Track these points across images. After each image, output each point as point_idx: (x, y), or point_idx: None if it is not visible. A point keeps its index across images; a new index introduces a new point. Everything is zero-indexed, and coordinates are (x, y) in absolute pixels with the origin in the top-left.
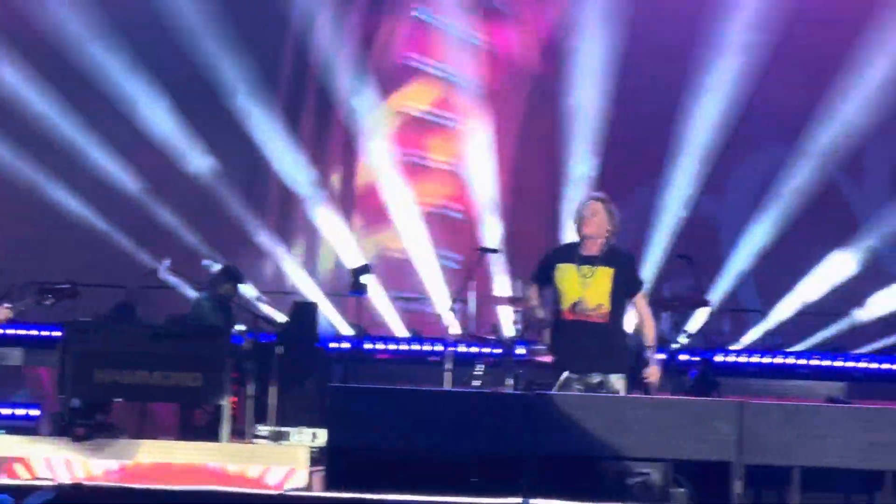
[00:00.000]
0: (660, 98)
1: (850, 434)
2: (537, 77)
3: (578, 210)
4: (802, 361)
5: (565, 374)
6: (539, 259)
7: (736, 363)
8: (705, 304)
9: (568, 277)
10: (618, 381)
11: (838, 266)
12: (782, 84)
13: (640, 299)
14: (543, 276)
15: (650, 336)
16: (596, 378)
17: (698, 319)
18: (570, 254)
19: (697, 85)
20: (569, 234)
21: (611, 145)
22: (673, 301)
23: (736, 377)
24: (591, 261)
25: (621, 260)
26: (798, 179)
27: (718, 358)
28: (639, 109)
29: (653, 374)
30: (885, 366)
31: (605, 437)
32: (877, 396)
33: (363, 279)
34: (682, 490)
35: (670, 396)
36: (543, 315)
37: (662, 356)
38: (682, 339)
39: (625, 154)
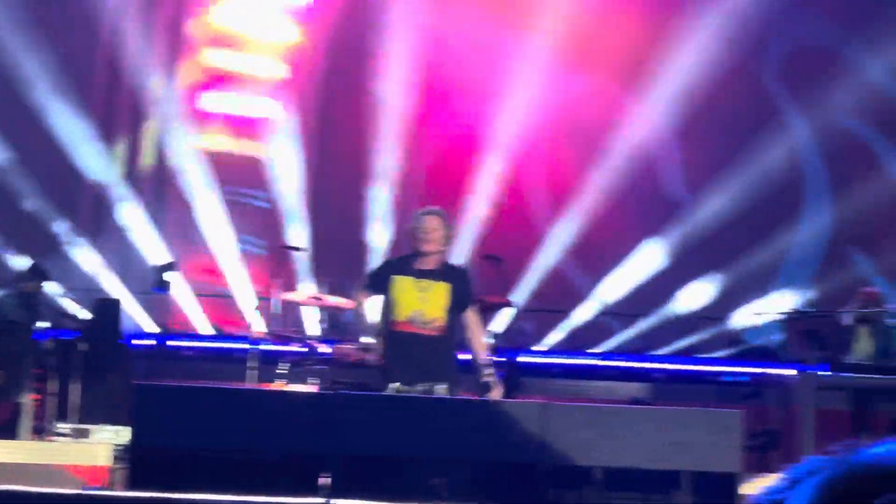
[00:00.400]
0: (469, 92)
1: (647, 434)
2: (340, 71)
3: (416, 225)
4: (606, 363)
5: (393, 384)
6: (373, 267)
7: (540, 364)
8: (509, 304)
9: (405, 290)
10: (441, 390)
11: (645, 262)
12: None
13: (472, 314)
14: (375, 285)
15: (482, 349)
16: (421, 387)
17: (503, 320)
18: (407, 266)
19: (505, 81)
20: (373, 234)
21: (418, 143)
22: (477, 302)
23: (541, 378)
24: (428, 275)
25: (457, 275)
26: (605, 176)
27: (523, 359)
28: (447, 104)
29: (495, 395)
30: (687, 367)
31: (410, 437)
32: (680, 397)
33: (167, 276)
34: (483, 491)
35: (475, 397)
36: (368, 319)
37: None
38: (487, 340)
39: (434, 153)
